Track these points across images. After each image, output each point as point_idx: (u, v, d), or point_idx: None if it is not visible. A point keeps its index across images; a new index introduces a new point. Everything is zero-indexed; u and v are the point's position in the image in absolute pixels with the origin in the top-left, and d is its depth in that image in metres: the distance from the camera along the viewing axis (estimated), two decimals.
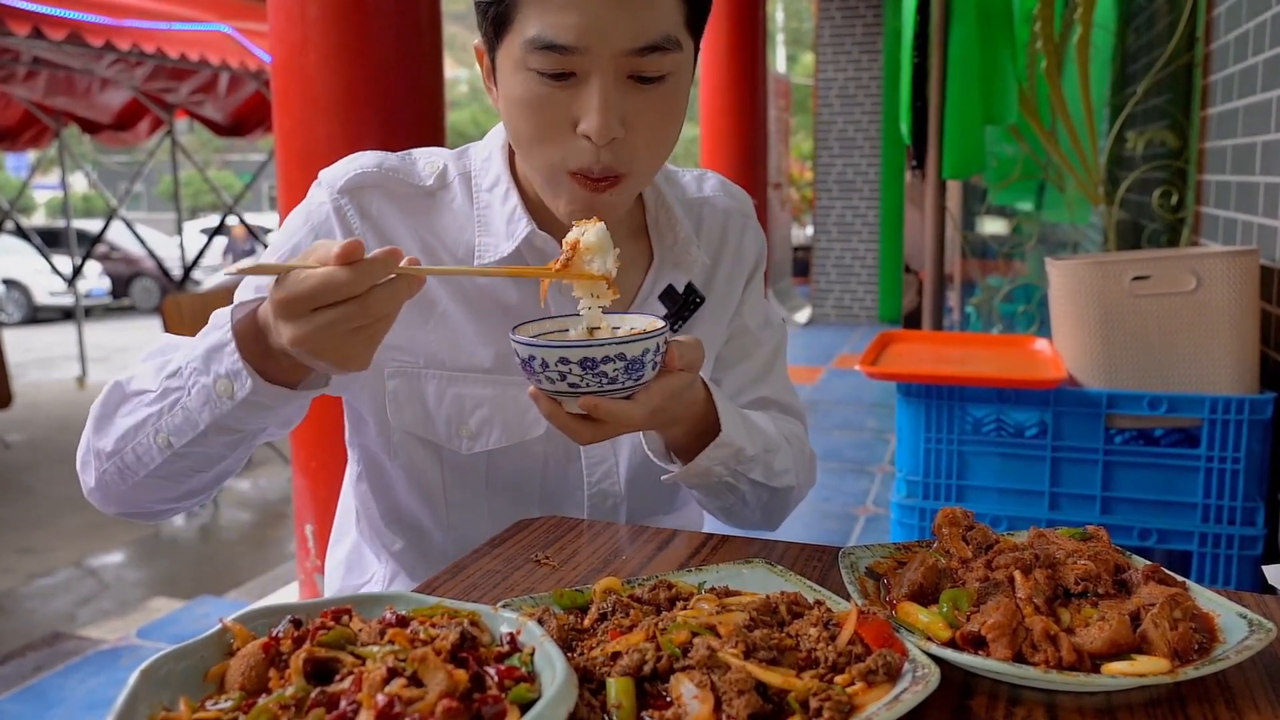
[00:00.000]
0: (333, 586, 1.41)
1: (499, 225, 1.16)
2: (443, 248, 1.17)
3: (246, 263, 0.87)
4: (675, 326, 1.22)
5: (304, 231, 1.16)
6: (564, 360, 0.91)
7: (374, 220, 1.15)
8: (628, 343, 0.92)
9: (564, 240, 0.96)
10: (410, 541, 1.30)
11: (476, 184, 1.18)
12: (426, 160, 1.21)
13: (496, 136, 1.21)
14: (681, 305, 1.23)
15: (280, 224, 1.24)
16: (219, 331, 0.97)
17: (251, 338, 0.94)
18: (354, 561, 1.39)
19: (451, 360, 1.17)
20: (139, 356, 1.09)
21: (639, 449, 1.25)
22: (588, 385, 0.93)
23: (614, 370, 0.92)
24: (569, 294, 1.04)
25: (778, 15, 18.84)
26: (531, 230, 1.14)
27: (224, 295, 5.97)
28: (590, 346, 0.91)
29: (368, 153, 1.19)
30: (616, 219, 1.10)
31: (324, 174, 1.18)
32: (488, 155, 1.20)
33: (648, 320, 0.98)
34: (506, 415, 1.18)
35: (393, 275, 0.86)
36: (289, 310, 0.85)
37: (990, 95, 3.12)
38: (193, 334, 1.04)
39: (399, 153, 1.21)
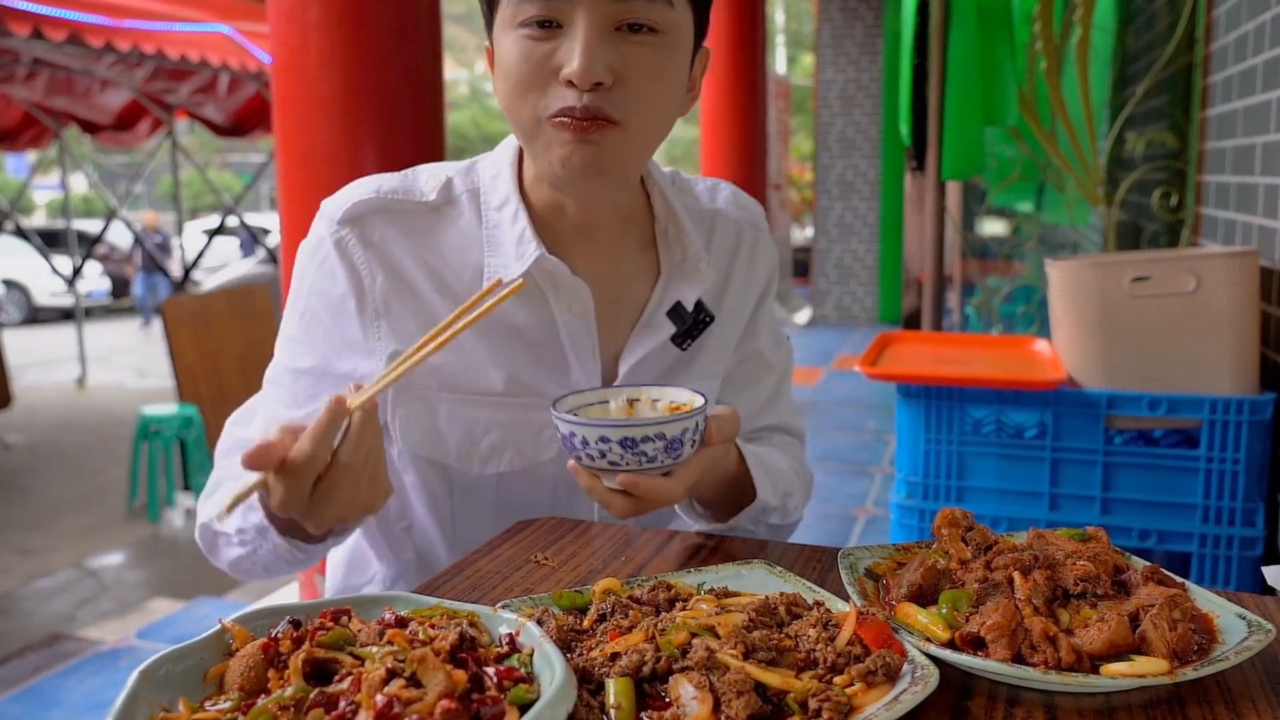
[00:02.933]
0: (333, 584, 1.41)
1: (508, 247, 1.14)
2: (448, 269, 1.15)
3: (223, 496, 1.03)
4: (684, 345, 1.22)
5: (312, 272, 1.16)
6: (604, 439, 0.94)
7: (377, 248, 1.14)
8: (668, 422, 0.95)
9: None
10: (416, 552, 1.30)
11: (485, 202, 1.17)
12: (429, 175, 1.19)
13: (505, 151, 1.19)
14: (692, 324, 1.22)
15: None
16: (258, 513, 1.02)
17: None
18: (355, 560, 1.39)
19: (464, 383, 1.16)
20: (221, 447, 1.20)
21: None
22: (627, 464, 0.95)
23: (654, 450, 0.95)
24: (579, 334, 1.14)
25: (778, 16, 18.85)
26: (541, 254, 1.12)
27: (223, 298, 5.97)
28: (631, 426, 0.94)
29: (367, 179, 1.19)
30: (611, 184, 1.10)
31: (325, 204, 1.17)
32: (496, 172, 1.18)
33: (687, 395, 1.02)
34: (519, 438, 1.17)
35: (351, 413, 0.89)
36: (293, 508, 0.90)
37: (990, 96, 3.12)
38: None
39: (400, 172, 1.20)
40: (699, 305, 1.22)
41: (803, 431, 1.39)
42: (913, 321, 7.27)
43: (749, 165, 6.85)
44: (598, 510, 1.24)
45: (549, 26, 1.01)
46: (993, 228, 4.73)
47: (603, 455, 0.95)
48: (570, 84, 1.00)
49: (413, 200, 1.16)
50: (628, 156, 1.07)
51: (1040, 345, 2.52)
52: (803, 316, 10.75)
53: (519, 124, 1.07)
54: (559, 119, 1.02)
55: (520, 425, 1.17)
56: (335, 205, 1.16)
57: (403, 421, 1.17)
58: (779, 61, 19.37)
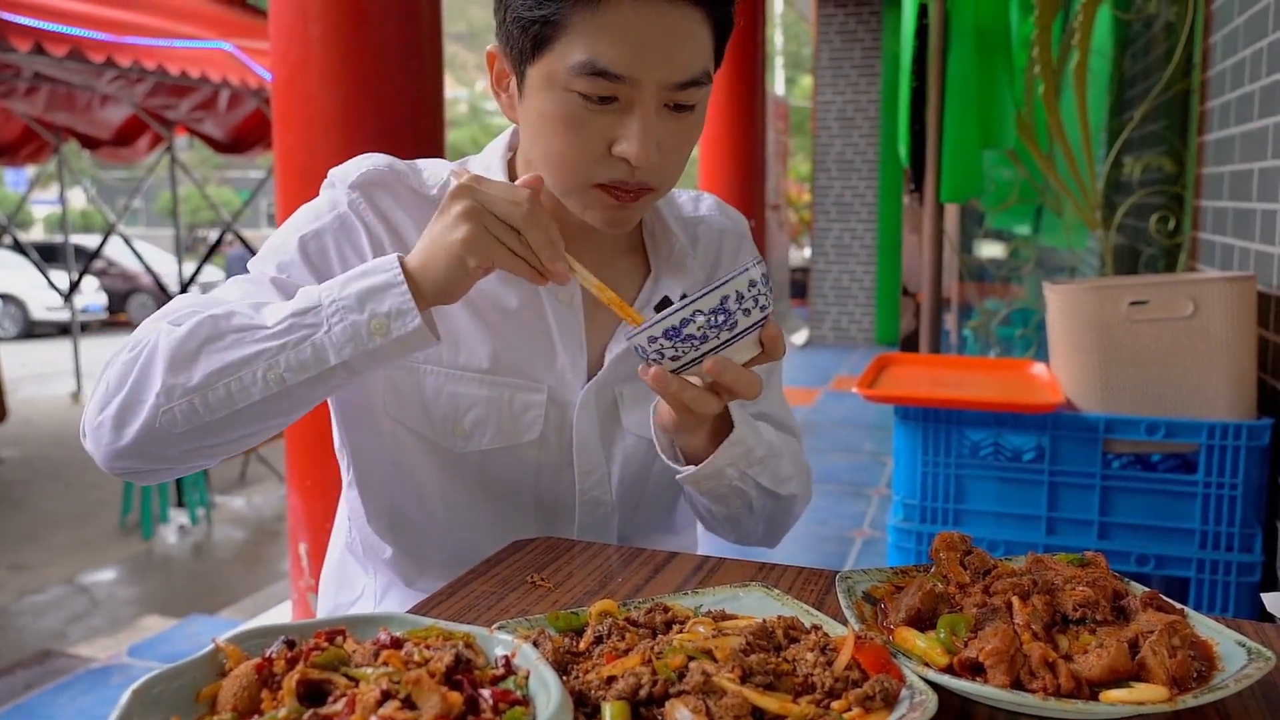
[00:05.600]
0: (325, 606, 1.41)
1: None
2: None
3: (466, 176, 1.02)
4: None
5: (328, 218, 1.16)
6: (710, 310, 0.95)
7: (384, 215, 1.17)
8: (742, 272, 0.97)
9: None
10: (404, 545, 1.29)
11: None
12: (430, 170, 1.22)
13: (495, 150, 1.23)
14: None
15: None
16: (379, 276, 1.01)
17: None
18: (342, 578, 1.39)
19: (450, 358, 1.18)
20: (184, 308, 1.08)
21: (631, 460, 1.26)
22: (738, 323, 0.96)
23: (758, 298, 0.97)
24: (566, 320, 1.14)
25: (776, 38, 18.94)
26: None
27: None
28: (721, 285, 0.95)
29: (375, 154, 1.21)
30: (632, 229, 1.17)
31: (334, 172, 1.19)
32: (486, 167, 1.22)
33: None
34: (501, 417, 1.19)
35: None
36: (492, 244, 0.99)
37: (988, 119, 3.13)
38: None
39: (406, 160, 1.23)
40: (685, 298, 1.24)
41: (796, 429, 1.38)
42: (910, 343, 7.28)
43: (747, 185, 6.87)
44: (579, 502, 1.25)
45: (607, 102, 1.04)
46: (990, 250, 4.74)
47: (747, 312, 0.96)
48: (624, 159, 1.05)
49: (415, 189, 1.19)
50: (651, 206, 1.15)
51: (1038, 368, 2.52)
52: (800, 337, 10.76)
53: (558, 178, 1.10)
54: (611, 189, 1.07)
55: (504, 404, 1.19)
56: (348, 170, 1.18)
57: (392, 389, 1.19)
58: (778, 83, 19.46)
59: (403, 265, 1.02)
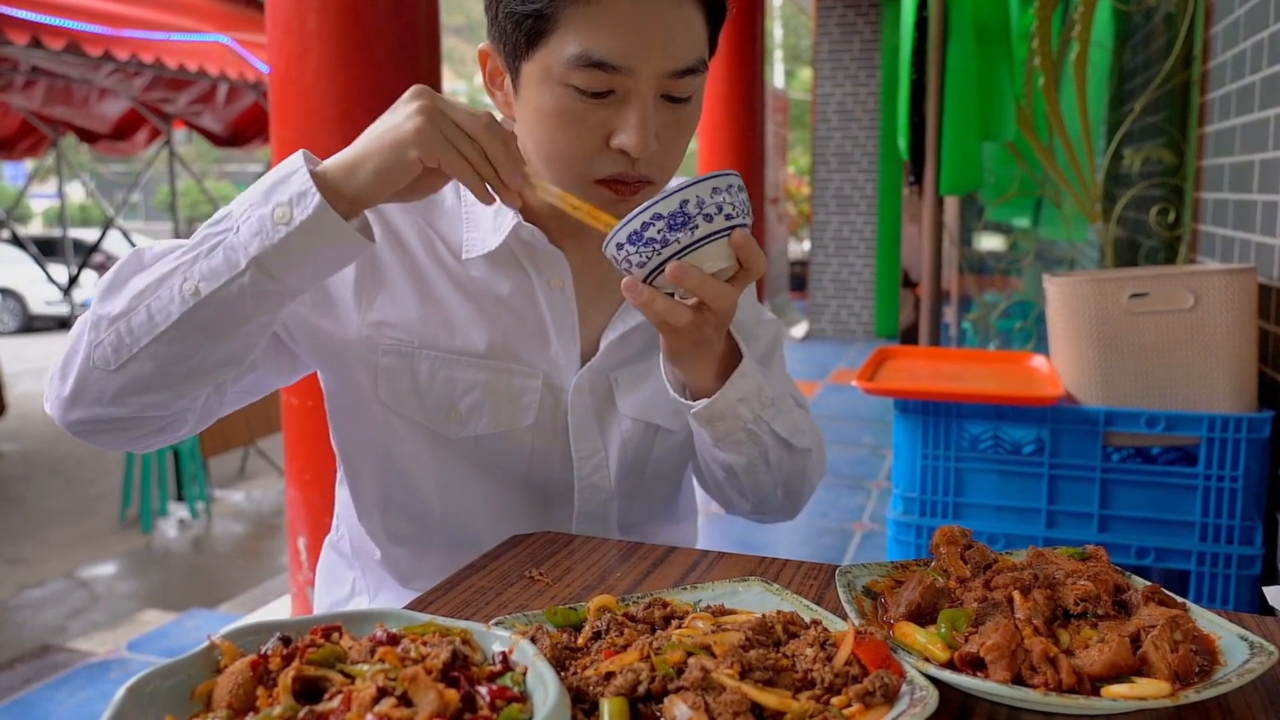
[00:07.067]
0: (319, 599, 1.41)
1: (486, 221, 1.18)
2: (440, 241, 1.19)
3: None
4: None
5: None
6: (699, 199, 0.94)
7: (379, 206, 1.16)
8: (724, 173, 0.96)
9: None
10: (398, 539, 1.29)
11: None
12: None
13: None
14: None
15: None
16: (284, 168, 0.99)
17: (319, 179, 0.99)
18: (330, 575, 1.38)
19: (446, 342, 1.18)
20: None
21: (629, 444, 1.25)
22: (722, 220, 0.95)
23: (727, 199, 0.96)
24: (558, 306, 1.12)
25: (776, 31, 18.90)
26: (517, 223, 1.15)
27: None
28: (708, 179, 0.94)
29: None
30: None
31: None
32: None
33: None
34: (497, 401, 1.19)
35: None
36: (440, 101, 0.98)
37: (988, 111, 3.12)
38: None
39: None
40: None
41: (805, 402, 1.36)
42: (910, 336, 7.28)
43: (746, 178, 6.84)
44: (578, 489, 1.24)
45: (603, 95, 1.03)
46: (990, 243, 4.73)
47: (709, 218, 0.94)
48: (623, 152, 1.04)
49: None
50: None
51: (1038, 361, 2.51)
52: (799, 330, 10.75)
53: (555, 172, 1.09)
54: (611, 184, 1.07)
55: (500, 388, 1.19)
56: None
57: (386, 375, 1.18)
58: (777, 76, 19.43)
59: (330, 171, 1.00)
